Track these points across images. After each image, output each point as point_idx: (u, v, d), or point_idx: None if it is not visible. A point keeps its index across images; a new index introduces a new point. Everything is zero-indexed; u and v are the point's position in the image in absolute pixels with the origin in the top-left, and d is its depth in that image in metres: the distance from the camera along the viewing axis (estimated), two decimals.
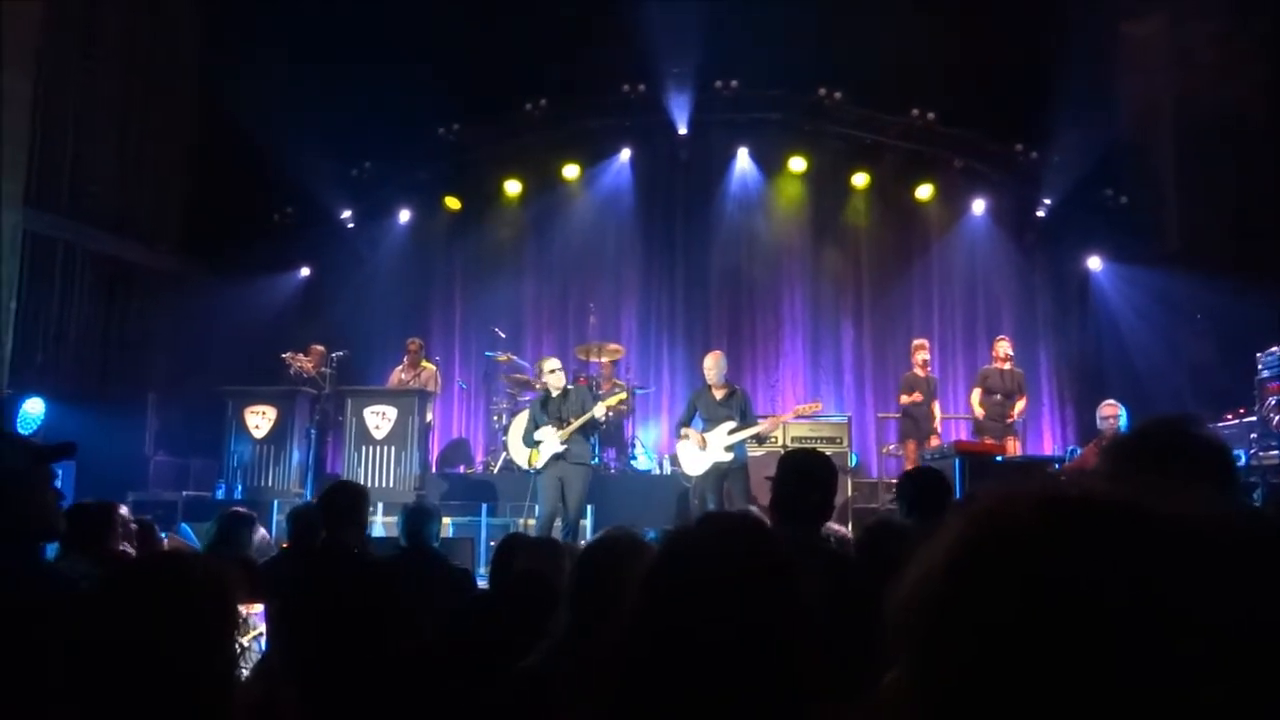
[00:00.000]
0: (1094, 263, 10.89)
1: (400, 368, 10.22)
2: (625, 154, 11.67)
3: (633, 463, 9.94)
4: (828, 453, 3.38)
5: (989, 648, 0.55)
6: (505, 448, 9.57)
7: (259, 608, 2.71)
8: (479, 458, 11.02)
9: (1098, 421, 7.79)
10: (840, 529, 5.37)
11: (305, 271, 11.88)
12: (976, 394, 9.41)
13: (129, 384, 10.30)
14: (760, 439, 8.11)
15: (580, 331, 11.08)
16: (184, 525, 7.79)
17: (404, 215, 11.98)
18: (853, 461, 9.57)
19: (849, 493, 8.88)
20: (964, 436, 9.59)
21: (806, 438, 9.07)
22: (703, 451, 7.43)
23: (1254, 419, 7.12)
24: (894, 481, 9.84)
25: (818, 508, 3.05)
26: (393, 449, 9.09)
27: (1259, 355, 7.23)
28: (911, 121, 10.98)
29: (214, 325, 10.54)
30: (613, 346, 10.36)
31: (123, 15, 10.39)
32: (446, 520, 7.74)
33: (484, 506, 8.65)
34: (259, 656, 2.50)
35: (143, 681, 1.42)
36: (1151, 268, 10.03)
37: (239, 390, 9.49)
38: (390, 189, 11.89)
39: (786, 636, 1.14)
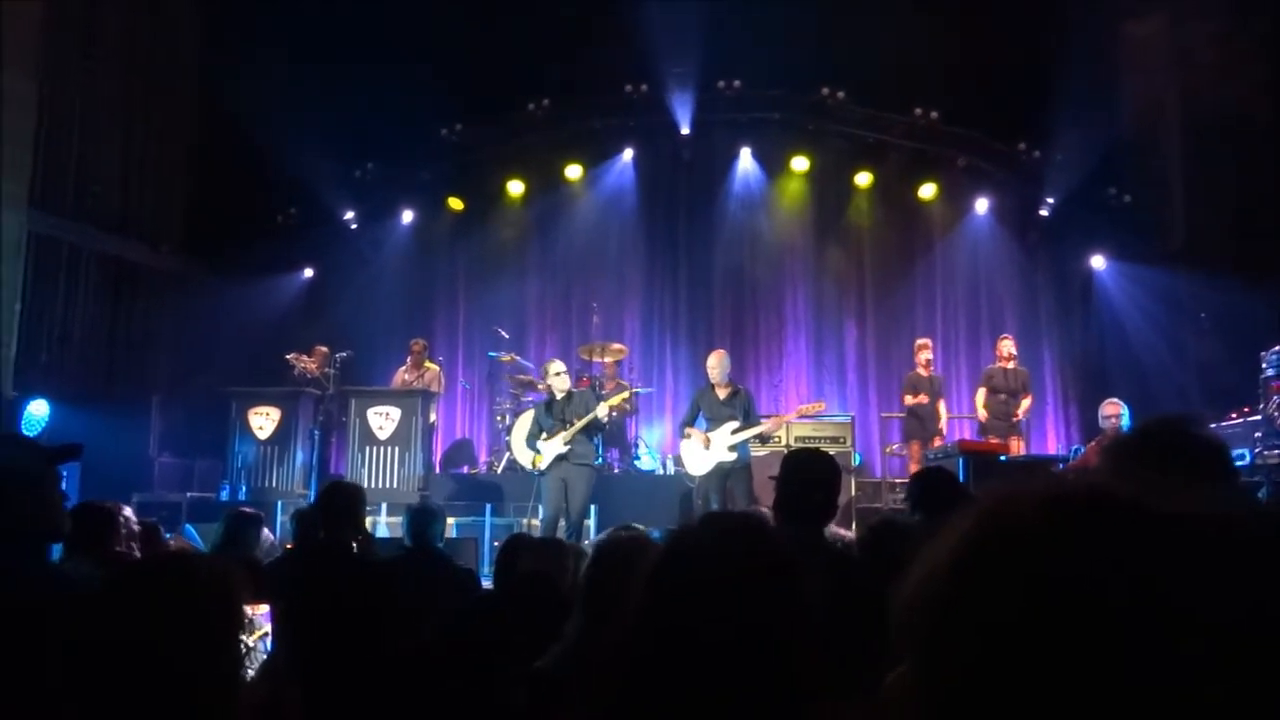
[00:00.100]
0: (1097, 261, 10.87)
1: (404, 368, 10.23)
2: (628, 154, 11.68)
3: (636, 463, 9.94)
4: (831, 452, 3.38)
5: (993, 647, 0.56)
6: (508, 448, 9.58)
7: (264, 608, 2.71)
8: (482, 458, 11.03)
9: (1100, 420, 7.78)
10: (845, 533, 5.36)
11: (309, 272, 11.89)
12: (981, 393, 9.40)
13: (133, 385, 10.32)
14: (764, 439, 8.11)
15: (583, 331, 11.08)
16: (188, 526, 7.81)
17: (407, 216, 12.00)
18: (856, 461, 9.57)
19: (852, 492, 8.87)
20: (969, 436, 9.58)
21: (810, 437, 9.07)
22: (706, 451, 7.43)
23: (1259, 418, 7.10)
24: (897, 481, 9.90)
25: (821, 508, 3.05)
26: (396, 449, 9.11)
27: (1263, 354, 7.21)
28: (914, 121, 10.97)
29: (218, 326, 10.56)
30: (616, 346, 10.36)
31: (123, 15, 10.41)
32: (450, 520, 7.75)
33: (487, 507, 8.66)
34: (265, 657, 2.51)
35: (147, 682, 1.43)
36: (1155, 266, 10.02)
37: (243, 391, 9.51)
38: (393, 189, 11.90)
39: (788, 636, 1.14)
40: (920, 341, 9.85)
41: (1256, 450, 6.93)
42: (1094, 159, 10.22)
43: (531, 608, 3.05)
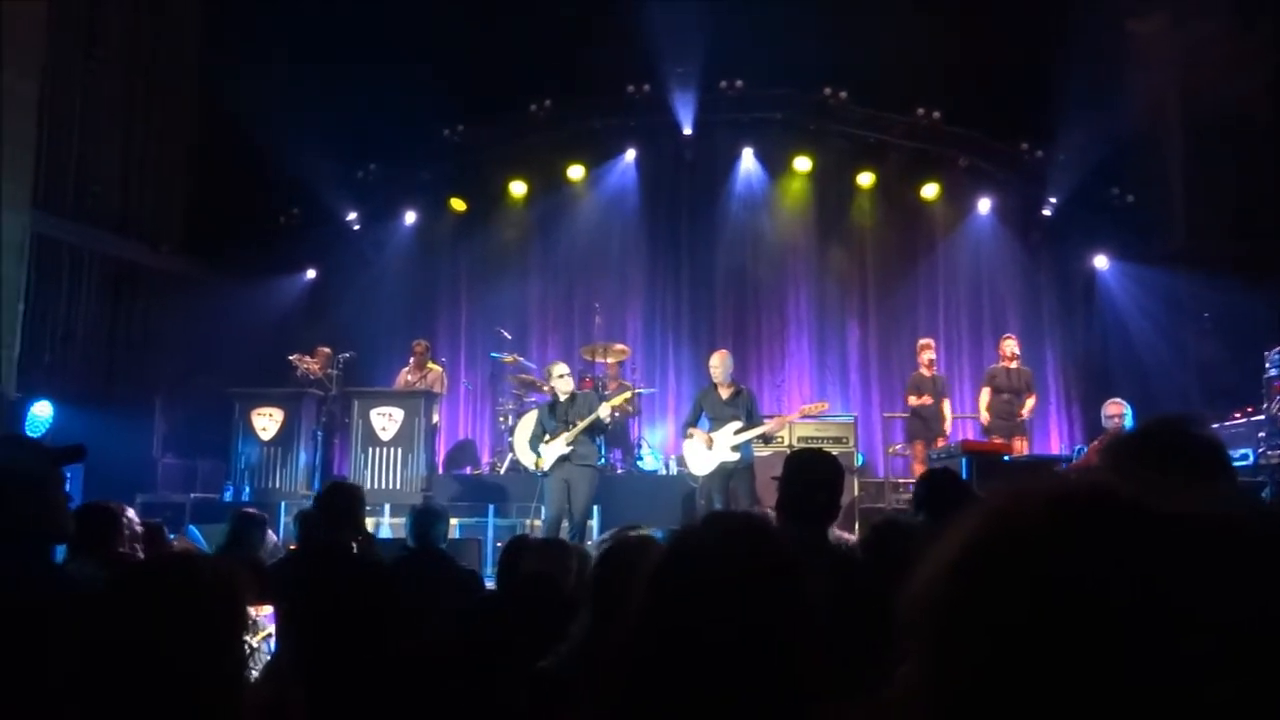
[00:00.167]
0: (1100, 261, 10.86)
1: (406, 369, 10.24)
2: (630, 154, 11.67)
3: (639, 463, 9.95)
4: (834, 453, 3.38)
5: (1000, 648, 0.56)
6: (511, 449, 9.58)
7: (268, 609, 2.72)
8: (485, 459, 11.03)
9: (1103, 420, 7.77)
10: (848, 536, 5.36)
11: (311, 273, 11.90)
12: (985, 394, 9.38)
13: (136, 386, 10.33)
14: (766, 439, 8.11)
15: (586, 332, 11.08)
16: (191, 527, 7.82)
17: (409, 216, 12.00)
18: (859, 461, 9.57)
19: (855, 493, 8.87)
20: (973, 436, 9.57)
21: (812, 438, 9.06)
22: (709, 452, 7.43)
23: (1262, 417, 7.09)
24: (900, 481, 9.90)
25: (823, 508, 3.05)
26: (399, 450, 9.11)
27: (1266, 353, 7.21)
28: (916, 121, 10.96)
29: (220, 327, 10.57)
30: (618, 347, 10.36)
31: (125, 15, 10.41)
32: (454, 521, 7.75)
33: (490, 507, 8.67)
34: (269, 658, 2.52)
35: (151, 683, 1.43)
36: (1157, 266, 10.01)
37: (246, 392, 9.51)
38: (395, 190, 11.90)
39: (790, 637, 1.14)
40: (923, 341, 9.85)
41: (1260, 450, 6.92)
42: (1096, 159, 10.20)
43: (534, 608, 3.05)
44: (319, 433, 9.56)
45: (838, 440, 9.11)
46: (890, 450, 10.55)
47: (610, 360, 10.20)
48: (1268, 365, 7.16)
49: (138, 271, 10.63)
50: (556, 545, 3.73)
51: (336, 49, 10.33)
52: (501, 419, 10.30)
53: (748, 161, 11.55)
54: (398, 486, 9.01)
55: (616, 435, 9.68)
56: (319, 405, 9.70)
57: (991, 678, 0.56)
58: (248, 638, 1.62)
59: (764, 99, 11.15)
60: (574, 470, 7.32)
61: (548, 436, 7.46)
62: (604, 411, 7.45)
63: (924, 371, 9.56)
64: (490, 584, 4.93)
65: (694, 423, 7.63)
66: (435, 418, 9.91)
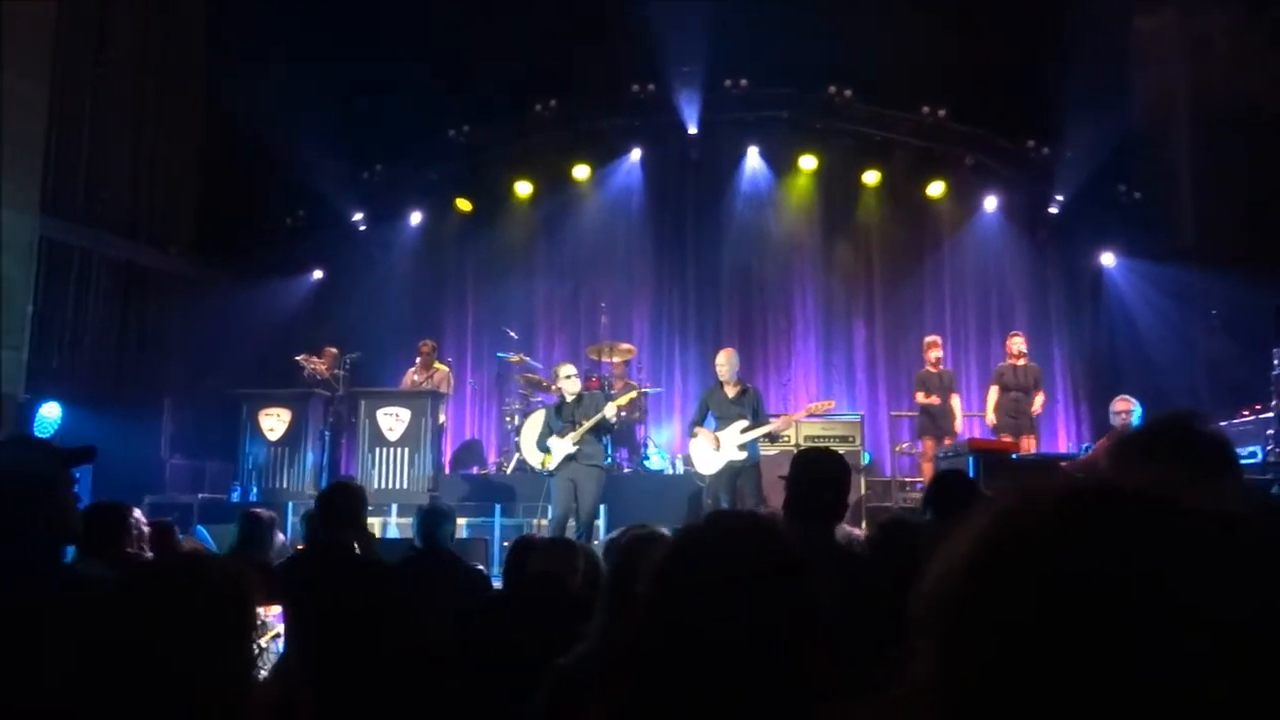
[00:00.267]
0: (1107, 258, 10.83)
1: (413, 369, 10.25)
2: (635, 154, 11.68)
3: (645, 463, 9.95)
4: (840, 451, 3.37)
5: (1009, 646, 0.56)
6: (518, 448, 9.59)
7: (276, 609, 2.73)
8: (492, 459, 11.05)
9: (1111, 417, 7.74)
10: (856, 530, 5.36)
11: (318, 274, 11.93)
12: (993, 392, 9.35)
13: (144, 388, 10.37)
14: (773, 438, 8.10)
15: (592, 331, 11.09)
16: (200, 528, 7.85)
17: (415, 217, 12.02)
18: (865, 460, 9.56)
19: (862, 491, 8.86)
20: (982, 434, 9.54)
21: (819, 436, 9.06)
22: (715, 451, 7.42)
23: (1270, 415, 7.06)
24: (907, 480, 9.89)
25: (830, 507, 3.05)
26: (406, 450, 9.12)
27: (1276, 350, 7.17)
28: (922, 119, 10.94)
29: (228, 328, 10.60)
30: (624, 346, 10.37)
31: (133, 18, 10.45)
32: (461, 521, 7.76)
33: (497, 507, 8.68)
34: (277, 657, 2.52)
35: (160, 682, 1.43)
36: (1166, 263, 9.98)
37: (253, 393, 9.54)
38: (401, 191, 11.92)
39: (795, 636, 1.14)
40: (929, 339, 9.83)
41: (1269, 448, 6.89)
42: (1104, 155, 10.17)
43: (541, 608, 3.05)
44: (326, 433, 9.58)
45: (844, 439, 9.10)
46: (897, 449, 10.53)
47: (616, 360, 10.20)
48: (1276, 362, 7.12)
49: (146, 274, 10.66)
50: (563, 545, 3.73)
51: (342, 50, 10.35)
52: (508, 419, 10.31)
53: (753, 160, 11.54)
54: (405, 486, 9.02)
55: (623, 435, 9.69)
56: (326, 406, 9.72)
57: (1000, 676, 0.56)
58: (256, 637, 1.62)
59: (769, 98, 11.15)
60: (580, 470, 7.32)
61: (554, 437, 7.47)
62: (610, 411, 7.45)
63: (931, 369, 9.55)
64: (497, 584, 4.93)
65: (700, 422, 7.63)
66: (442, 418, 9.93)
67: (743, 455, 7.35)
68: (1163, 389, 9.16)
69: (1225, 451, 1.78)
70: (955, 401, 9.53)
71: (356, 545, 4.04)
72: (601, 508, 7.80)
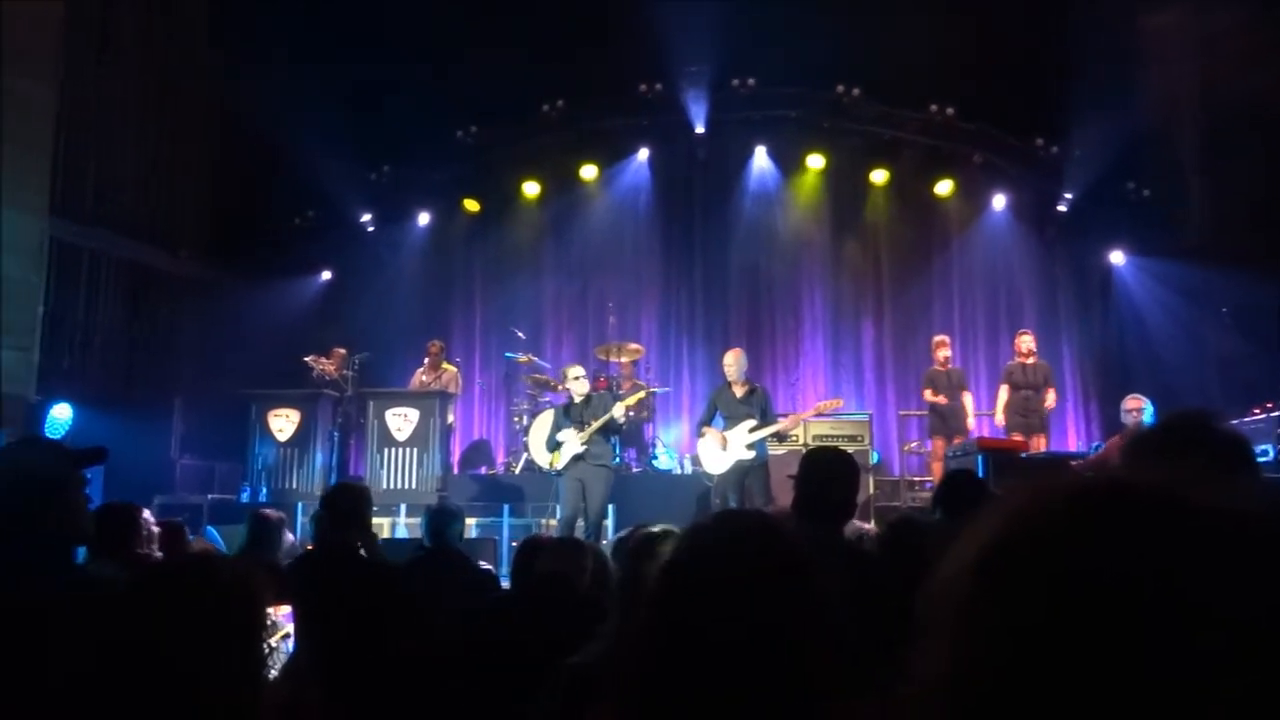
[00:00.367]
0: (1116, 257, 10.79)
1: (421, 370, 10.27)
2: (643, 153, 11.68)
3: (654, 462, 9.95)
4: (849, 451, 3.37)
5: (1020, 647, 0.56)
6: (526, 448, 9.60)
7: (286, 609, 2.73)
8: (500, 458, 11.06)
9: (1122, 415, 7.71)
10: (866, 526, 5.36)
11: (326, 275, 11.96)
12: (1003, 391, 9.32)
13: (154, 389, 10.41)
14: (781, 437, 8.09)
15: (600, 332, 11.09)
16: (209, 528, 7.87)
17: (423, 218, 12.04)
18: (874, 459, 9.54)
19: (871, 490, 8.84)
20: (992, 433, 9.51)
21: (828, 436, 9.05)
22: (724, 450, 7.42)
23: None
24: (916, 479, 9.86)
25: (839, 506, 3.04)
26: (415, 450, 9.14)
27: None
28: (930, 117, 10.92)
29: (237, 329, 10.64)
30: (632, 346, 10.37)
31: (138, 18, 10.48)
32: (470, 521, 7.77)
33: (505, 507, 8.68)
34: (287, 657, 2.53)
35: (171, 682, 1.44)
36: (1175, 260, 9.93)
37: (262, 394, 9.56)
38: (409, 191, 11.95)
39: (799, 636, 1.14)
40: (938, 339, 9.80)
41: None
42: (1112, 153, 10.13)
43: (549, 608, 3.05)
44: (335, 433, 9.60)
45: (853, 438, 9.08)
46: (906, 448, 10.51)
47: (624, 360, 10.20)
48: None
49: (155, 275, 10.71)
50: (571, 544, 3.73)
51: (349, 51, 10.38)
52: (516, 419, 10.32)
53: (761, 160, 11.53)
54: (413, 486, 9.04)
55: (631, 434, 9.69)
56: (335, 406, 9.74)
57: (1011, 675, 0.56)
58: (266, 637, 1.63)
59: (777, 97, 11.14)
60: (589, 470, 7.33)
61: (563, 433, 7.48)
62: (618, 411, 7.45)
63: (939, 368, 9.52)
64: (505, 584, 4.94)
65: (708, 421, 7.62)
66: (450, 418, 9.94)
67: (751, 455, 7.34)
68: (1173, 387, 9.12)
69: (1241, 449, 1.76)
70: (967, 400, 9.49)
71: (361, 546, 4.05)
72: (610, 507, 7.81)
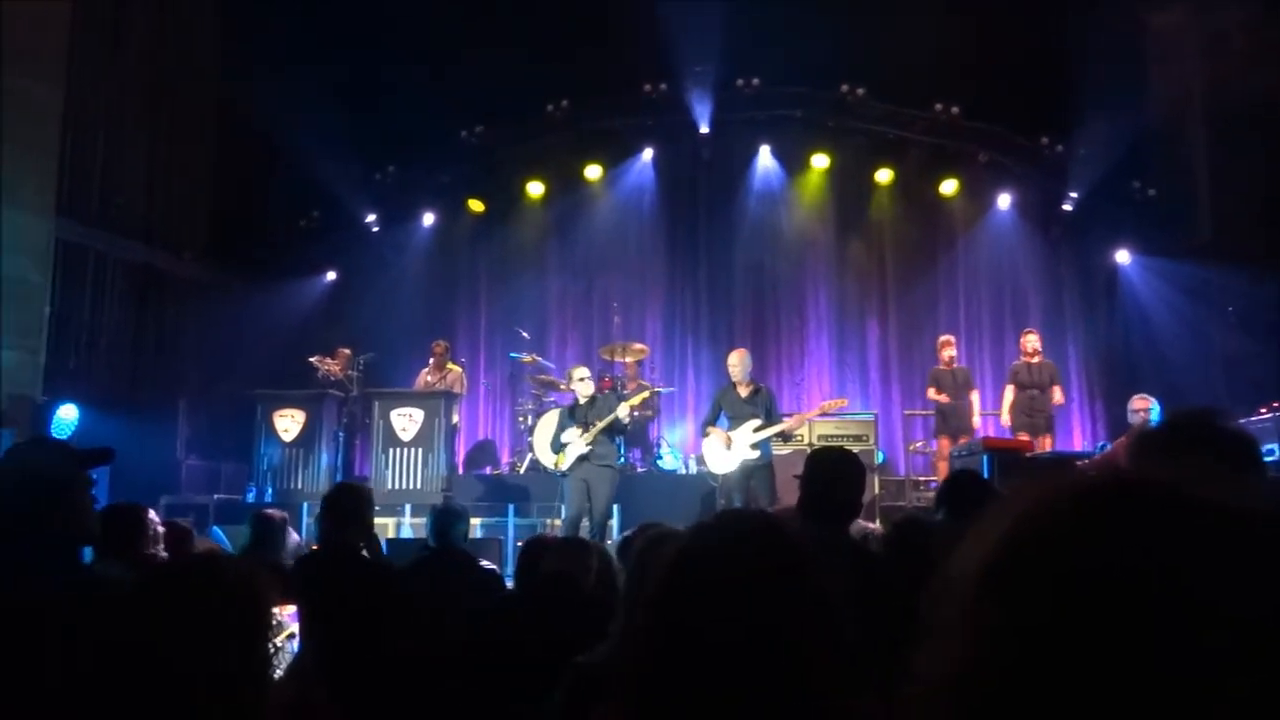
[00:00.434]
0: (1122, 255, 10.76)
1: (426, 370, 10.28)
2: (647, 153, 11.68)
3: (659, 462, 9.95)
4: (854, 450, 3.36)
5: (1026, 646, 0.55)
6: (531, 448, 9.60)
7: (291, 609, 2.74)
8: (505, 459, 11.07)
9: (1129, 415, 7.69)
10: (871, 525, 5.35)
11: (331, 275, 11.98)
12: (1009, 391, 9.30)
13: (160, 389, 10.43)
14: (786, 437, 8.09)
15: (604, 332, 11.09)
16: (215, 528, 7.89)
17: (428, 218, 12.05)
18: (879, 459, 9.52)
19: (876, 490, 8.83)
20: (998, 433, 9.49)
21: (832, 435, 9.04)
22: (728, 450, 7.42)
23: None
24: (921, 479, 9.84)
25: (844, 506, 3.04)
26: (420, 451, 9.14)
27: None
28: (935, 116, 10.90)
29: (242, 330, 10.66)
30: (637, 346, 10.37)
31: (146, 18, 10.50)
32: (475, 521, 7.77)
33: (510, 507, 8.69)
34: (292, 657, 2.53)
35: (178, 682, 1.44)
36: (1181, 260, 9.91)
37: (268, 394, 9.58)
38: (414, 192, 11.96)
39: (799, 636, 1.14)
40: (943, 338, 9.79)
41: None
42: (1118, 152, 10.11)
43: (554, 607, 3.06)
44: (340, 434, 9.61)
45: (858, 438, 9.07)
46: (911, 448, 10.50)
47: (629, 360, 10.20)
48: None
49: (161, 277, 10.73)
50: (577, 544, 3.73)
51: (354, 52, 10.39)
52: (521, 419, 10.33)
53: (765, 159, 11.52)
54: (418, 487, 9.05)
55: (636, 435, 9.69)
56: (340, 406, 9.76)
57: (1016, 675, 0.55)
58: (271, 637, 1.63)
59: (781, 96, 11.13)
60: (593, 470, 7.33)
61: (567, 433, 7.49)
62: (622, 411, 7.45)
63: (944, 367, 9.51)
64: (510, 583, 4.94)
65: (713, 421, 7.62)
66: (455, 418, 9.95)
67: (755, 454, 7.34)
68: (1179, 387, 9.10)
69: (1249, 448, 1.76)
70: (973, 399, 9.48)
71: (363, 546, 4.05)
72: (615, 507, 7.81)
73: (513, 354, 10.65)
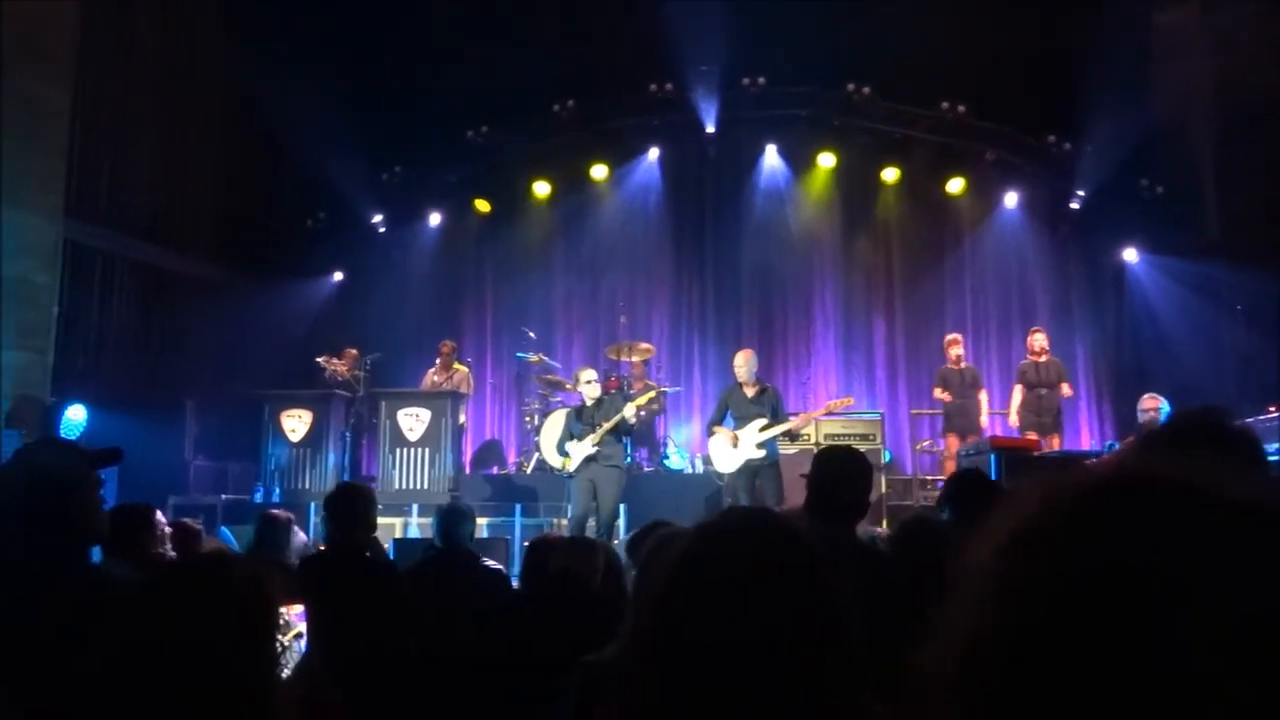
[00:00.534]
0: (1129, 254, 10.73)
1: (433, 370, 10.30)
2: (653, 153, 11.68)
3: (665, 462, 9.95)
4: (861, 449, 3.36)
5: (1029, 647, 0.55)
6: (537, 448, 9.61)
7: (298, 608, 2.75)
8: (511, 458, 11.08)
9: (1139, 414, 7.67)
10: (879, 530, 5.34)
11: (338, 276, 12.00)
12: (1017, 392, 9.28)
13: (168, 390, 10.46)
14: (792, 436, 8.08)
15: (611, 331, 11.09)
16: (223, 529, 7.91)
17: (434, 218, 12.07)
18: (886, 458, 9.51)
19: (883, 490, 8.82)
20: (1005, 432, 9.47)
21: (839, 435, 9.02)
22: (734, 449, 7.42)
23: None
24: (928, 478, 9.82)
25: (851, 506, 3.04)
26: (427, 451, 9.16)
27: None
28: (942, 115, 10.87)
29: (249, 330, 10.68)
30: (644, 346, 10.37)
31: (154, 18, 10.53)
32: (481, 521, 7.78)
33: (517, 507, 8.70)
34: (300, 656, 2.54)
35: (186, 680, 1.45)
36: (1189, 258, 9.88)
37: (275, 394, 9.60)
38: (420, 192, 11.97)
39: (803, 635, 1.14)
40: (950, 337, 9.77)
41: None
42: (1126, 150, 10.08)
43: (561, 606, 3.06)
44: (347, 434, 9.63)
45: (864, 437, 9.06)
46: (918, 447, 10.48)
47: (635, 359, 10.20)
48: None
49: (168, 277, 10.77)
50: (584, 543, 3.73)
51: (361, 53, 10.41)
52: (527, 419, 10.34)
53: (771, 159, 11.51)
54: (425, 487, 9.06)
55: (643, 434, 9.69)
56: (347, 406, 9.77)
57: (1022, 676, 0.55)
58: (279, 636, 1.63)
59: (787, 96, 11.12)
60: (600, 471, 7.33)
61: (573, 441, 7.49)
62: (629, 412, 7.45)
63: (952, 366, 9.49)
64: (515, 583, 4.94)
65: (719, 421, 7.62)
66: (462, 418, 9.96)
67: (761, 454, 7.33)
68: (1187, 386, 9.07)
69: (1252, 447, 1.76)
70: (982, 399, 9.46)
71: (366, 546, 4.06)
72: (622, 507, 7.81)
73: (519, 354, 10.66)
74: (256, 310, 10.80)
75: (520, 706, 2.66)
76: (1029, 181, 11.12)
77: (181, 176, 10.95)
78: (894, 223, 11.51)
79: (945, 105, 10.79)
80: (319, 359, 10.00)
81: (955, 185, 11.23)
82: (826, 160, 11.39)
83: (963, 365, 9.54)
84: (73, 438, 8.32)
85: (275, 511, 4.97)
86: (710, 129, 11.28)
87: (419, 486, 9.06)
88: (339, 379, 9.90)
